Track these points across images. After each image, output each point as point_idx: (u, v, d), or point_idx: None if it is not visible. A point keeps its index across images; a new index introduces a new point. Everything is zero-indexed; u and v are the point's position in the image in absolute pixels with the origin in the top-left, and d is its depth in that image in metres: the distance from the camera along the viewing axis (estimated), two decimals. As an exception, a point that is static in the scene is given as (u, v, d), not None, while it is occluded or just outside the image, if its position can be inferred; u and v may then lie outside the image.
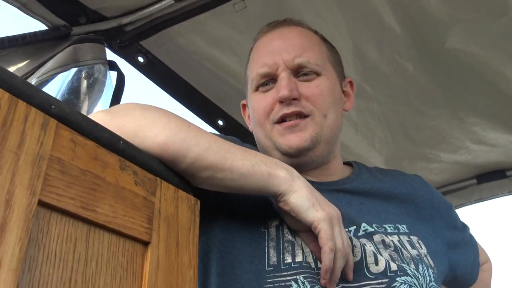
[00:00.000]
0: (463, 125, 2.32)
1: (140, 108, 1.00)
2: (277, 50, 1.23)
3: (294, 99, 1.17)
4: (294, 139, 1.16)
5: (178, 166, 0.92)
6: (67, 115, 0.69)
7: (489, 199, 2.85)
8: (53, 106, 0.66)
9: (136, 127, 0.92)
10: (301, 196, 0.96)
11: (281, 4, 1.77)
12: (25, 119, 0.59)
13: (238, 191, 0.99)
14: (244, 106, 1.41)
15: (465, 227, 1.43)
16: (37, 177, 0.59)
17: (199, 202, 0.94)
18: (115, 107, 1.07)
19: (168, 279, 0.78)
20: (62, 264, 0.61)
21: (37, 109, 0.62)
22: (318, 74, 1.22)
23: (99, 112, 0.99)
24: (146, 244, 0.76)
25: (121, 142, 0.79)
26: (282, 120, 1.19)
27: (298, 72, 1.21)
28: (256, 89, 1.26)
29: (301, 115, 1.18)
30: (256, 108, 1.24)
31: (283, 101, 1.17)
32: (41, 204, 0.59)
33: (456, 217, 1.40)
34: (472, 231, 1.46)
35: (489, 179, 2.76)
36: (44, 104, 0.65)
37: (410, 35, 1.85)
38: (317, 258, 1.01)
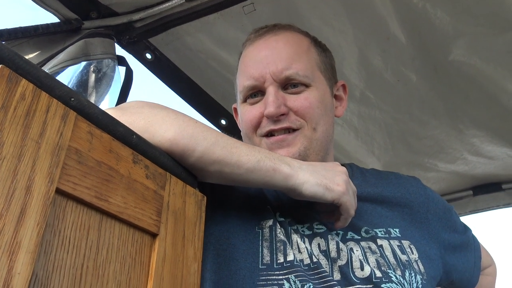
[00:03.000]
0: (462, 137, 2.35)
1: (148, 105, 1.03)
2: (264, 62, 1.20)
3: (282, 114, 1.16)
4: (282, 153, 1.14)
5: (187, 160, 0.95)
6: (85, 107, 0.71)
7: (484, 211, 2.87)
8: (72, 99, 0.69)
9: (146, 123, 0.94)
10: (311, 185, 1.00)
11: (290, 9, 1.79)
12: (47, 110, 0.62)
13: (245, 184, 1.02)
14: (236, 110, 1.40)
15: (466, 229, 1.40)
16: (55, 166, 0.61)
17: (205, 198, 0.97)
18: (124, 104, 1.10)
19: (174, 271, 0.80)
20: (75, 250, 0.64)
21: (58, 101, 0.65)
22: (307, 85, 1.21)
23: (109, 109, 1.01)
24: (154, 236, 0.79)
25: (134, 136, 0.81)
26: (269, 134, 1.19)
27: (286, 84, 1.19)
28: (245, 100, 1.25)
29: (289, 130, 1.18)
30: (244, 120, 1.24)
31: (269, 118, 1.17)
32: (58, 192, 0.62)
33: (456, 219, 1.37)
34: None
35: (485, 191, 2.79)
36: (65, 96, 0.68)
37: (415, 46, 1.88)
38: (328, 221, 1.11)
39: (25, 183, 0.56)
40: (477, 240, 1.44)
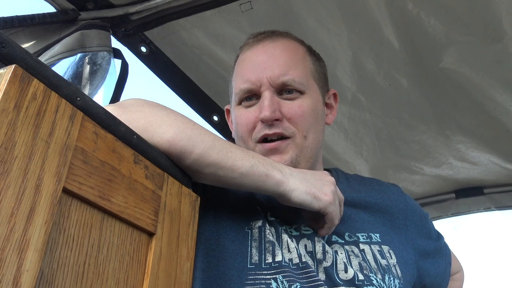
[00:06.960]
0: (448, 142, 2.40)
1: (148, 105, 1.04)
2: (261, 66, 1.23)
3: (276, 119, 1.19)
4: (276, 159, 1.17)
5: (184, 161, 0.96)
6: (90, 107, 0.73)
7: (466, 214, 2.95)
8: (78, 98, 0.70)
9: (146, 123, 0.96)
10: (300, 193, 1.04)
11: (287, 10, 1.81)
12: (56, 110, 0.63)
13: (238, 188, 1.05)
14: (228, 111, 1.42)
15: (439, 237, 1.47)
16: (63, 165, 0.63)
17: (199, 198, 0.99)
18: (123, 102, 1.10)
19: (168, 269, 0.82)
20: (78, 248, 0.65)
21: (66, 101, 0.66)
22: (301, 92, 1.24)
23: (109, 106, 1.02)
24: (151, 235, 0.80)
25: (135, 136, 0.83)
26: (264, 139, 1.21)
27: (282, 90, 1.22)
28: (240, 103, 1.27)
29: (282, 136, 1.20)
30: (239, 124, 1.27)
31: (264, 122, 1.20)
32: (65, 191, 0.63)
33: (430, 226, 1.44)
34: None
35: (467, 195, 2.86)
36: (71, 96, 0.69)
37: (407, 51, 1.91)
38: (312, 228, 1.14)
39: (35, 182, 0.57)
40: (448, 247, 1.50)
